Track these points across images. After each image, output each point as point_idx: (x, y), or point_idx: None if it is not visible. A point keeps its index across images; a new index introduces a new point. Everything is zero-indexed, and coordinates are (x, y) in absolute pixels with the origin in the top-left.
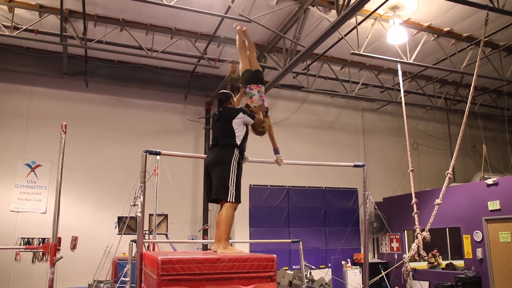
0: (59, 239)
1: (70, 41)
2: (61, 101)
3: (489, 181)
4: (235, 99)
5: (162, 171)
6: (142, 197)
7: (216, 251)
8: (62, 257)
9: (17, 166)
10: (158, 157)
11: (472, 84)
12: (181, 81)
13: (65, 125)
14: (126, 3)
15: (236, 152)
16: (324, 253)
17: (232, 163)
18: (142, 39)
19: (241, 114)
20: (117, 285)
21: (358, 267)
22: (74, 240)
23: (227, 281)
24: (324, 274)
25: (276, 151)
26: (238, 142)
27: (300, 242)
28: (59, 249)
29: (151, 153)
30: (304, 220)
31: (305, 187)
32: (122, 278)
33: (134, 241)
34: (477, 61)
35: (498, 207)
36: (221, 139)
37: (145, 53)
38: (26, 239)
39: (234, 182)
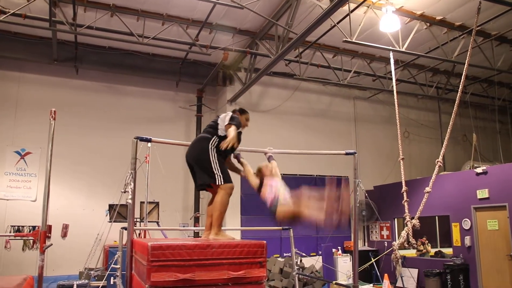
0: (50, 226)
1: (59, 26)
2: (50, 88)
3: (478, 170)
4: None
5: (154, 158)
6: (132, 184)
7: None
8: (51, 244)
9: (6, 154)
10: (149, 144)
11: (463, 73)
12: (173, 68)
13: (54, 111)
14: None
15: (215, 138)
16: (315, 241)
17: (210, 148)
18: (133, 25)
19: (228, 113)
20: (107, 272)
21: (348, 254)
22: (65, 228)
23: (217, 267)
24: (314, 261)
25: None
26: (220, 133)
27: (291, 230)
28: (49, 237)
29: (141, 139)
30: None
31: (296, 175)
32: (112, 266)
33: (125, 228)
34: (469, 50)
35: (486, 195)
36: (206, 128)
37: (136, 39)
38: (16, 227)
39: (217, 164)
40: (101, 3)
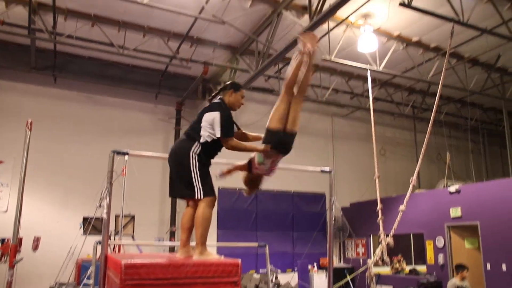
0: (20, 239)
1: (38, 34)
2: (27, 96)
3: (452, 189)
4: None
5: (130, 170)
6: (108, 198)
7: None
8: (22, 259)
9: None
10: (126, 157)
11: (438, 94)
12: (153, 80)
13: (31, 122)
14: None
15: (198, 145)
16: (291, 257)
17: (191, 156)
18: (114, 36)
19: (214, 114)
20: (80, 287)
21: (324, 271)
22: (36, 240)
23: (191, 286)
24: (290, 278)
25: None
26: (202, 140)
27: (267, 246)
28: (19, 251)
29: (119, 153)
30: (272, 224)
31: (273, 190)
32: (85, 281)
33: (100, 242)
34: (443, 72)
35: (459, 214)
36: (189, 130)
37: (117, 50)
38: None
39: (198, 175)
40: (82, 13)
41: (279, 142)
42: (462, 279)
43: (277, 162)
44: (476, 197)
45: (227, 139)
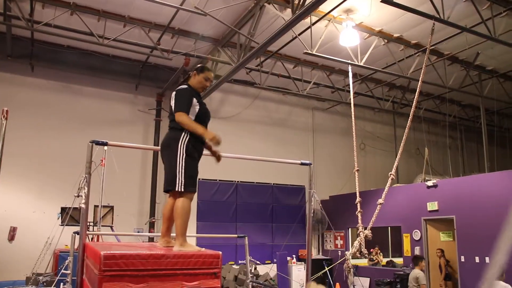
0: None
1: (15, 21)
2: (3, 84)
3: (429, 183)
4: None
5: (109, 161)
6: (86, 188)
7: (161, 246)
8: None
9: None
10: (105, 147)
11: (417, 90)
12: (133, 71)
13: (7, 110)
14: None
15: (185, 134)
16: (270, 249)
17: (179, 146)
18: (94, 25)
19: (172, 94)
20: (57, 277)
21: (303, 263)
22: (13, 230)
23: (171, 277)
24: (269, 269)
25: None
26: None
27: (246, 238)
28: None
29: (97, 143)
30: (251, 216)
31: (253, 183)
32: (63, 271)
33: (78, 232)
34: (423, 68)
35: (436, 208)
36: (170, 121)
37: (96, 40)
38: None
39: (183, 167)
40: (61, 1)
41: None
42: (421, 269)
43: None
44: (453, 192)
45: (179, 112)
